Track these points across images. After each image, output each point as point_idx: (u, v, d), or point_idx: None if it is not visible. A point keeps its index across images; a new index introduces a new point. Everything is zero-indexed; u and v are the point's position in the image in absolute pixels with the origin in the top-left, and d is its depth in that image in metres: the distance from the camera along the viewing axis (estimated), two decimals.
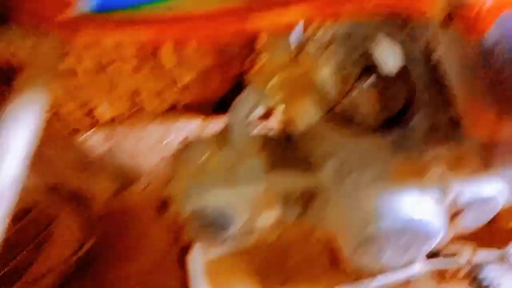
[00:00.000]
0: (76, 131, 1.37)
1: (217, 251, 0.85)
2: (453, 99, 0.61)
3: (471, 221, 0.77)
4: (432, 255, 0.84)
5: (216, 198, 0.72)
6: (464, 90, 0.57)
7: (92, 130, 1.42)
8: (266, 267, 1.19)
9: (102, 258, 1.28)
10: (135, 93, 1.35)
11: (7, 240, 0.99)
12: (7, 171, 0.45)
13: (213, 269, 0.88)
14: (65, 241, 1.08)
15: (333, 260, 0.81)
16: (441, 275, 0.89)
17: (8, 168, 0.45)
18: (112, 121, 1.45)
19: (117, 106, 1.37)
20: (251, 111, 0.70)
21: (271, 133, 0.79)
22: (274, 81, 0.63)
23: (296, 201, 0.77)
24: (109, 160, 1.12)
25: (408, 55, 0.61)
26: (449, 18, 0.47)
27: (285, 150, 0.77)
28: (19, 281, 1.09)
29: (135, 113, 1.44)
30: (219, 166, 0.74)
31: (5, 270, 1.06)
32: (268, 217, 0.77)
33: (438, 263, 0.84)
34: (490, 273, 0.84)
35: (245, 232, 0.78)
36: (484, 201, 0.73)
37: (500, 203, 0.75)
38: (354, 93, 0.65)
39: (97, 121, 1.40)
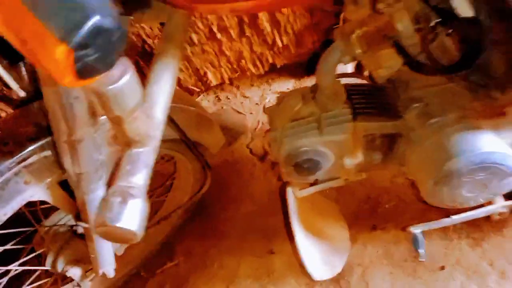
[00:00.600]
0: (191, 93, 1.59)
1: (308, 190, 0.97)
2: None
3: None
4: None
5: (306, 144, 0.84)
6: None
7: (204, 92, 1.63)
8: (357, 212, 1.30)
9: (214, 202, 1.50)
10: (239, 57, 1.51)
11: None
12: (156, 117, 0.62)
13: (304, 208, 1.02)
14: (185, 185, 1.29)
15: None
16: None
17: (157, 114, 0.62)
18: (221, 84, 1.64)
19: (224, 71, 1.55)
20: (336, 63, 0.79)
21: (356, 83, 0.88)
22: (356, 34, 0.71)
23: (380, 145, 0.86)
24: (219, 118, 1.30)
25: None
26: None
27: (370, 98, 0.85)
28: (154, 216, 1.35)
29: (239, 76, 1.61)
30: (310, 116, 0.86)
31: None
32: (354, 161, 0.87)
33: None
34: None
35: (333, 172, 0.89)
36: None
37: None
38: (434, 40, 0.70)
39: (209, 84, 1.59)
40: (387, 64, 0.72)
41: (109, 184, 0.65)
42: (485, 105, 0.76)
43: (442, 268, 1.18)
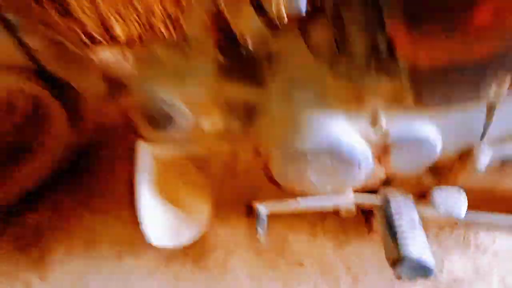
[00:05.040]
0: (94, 40, 1.48)
1: (165, 149, 0.91)
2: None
3: (404, 162, 0.78)
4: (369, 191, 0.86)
5: (161, 93, 0.78)
6: (388, 9, 0.58)
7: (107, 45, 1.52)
8: (237, 197, 1.27)
9: (98, 161, 1.41)
10: (150, 14, 1.42)
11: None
12: None
13: (164, 171, 0.95)
14: (57, 130, 1.19)
15: (268, 175, 0.84)
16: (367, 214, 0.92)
17: None
18: (131, 41, 1.54)
19: (133, 26, 1.45)
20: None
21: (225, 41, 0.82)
22: None
23: (240, 113, 0.82)
24: (107, 66, 1.20)
25: None
26: None
27: (238, 61, 0.80)
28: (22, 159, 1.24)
29: (150, 36, 1.52)
30: (174, 63, 0.80)
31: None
32: (212, 121, 0.82)
33: (363, 199, 0.85)
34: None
35: (189, 133, 0.83)
36: (415, 140, 0.74)
37: (436, 149, 0.76)
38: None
39: (116, 39, 1.49)
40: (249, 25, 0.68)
41: None
42: (345, 88, 0.73)
43: (301, 265, 1.16)
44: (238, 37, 0.74)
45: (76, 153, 1.29)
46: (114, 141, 1.41)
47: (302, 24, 0.71)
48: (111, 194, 1.35)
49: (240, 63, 0.79)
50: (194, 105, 0.79)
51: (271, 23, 0.68)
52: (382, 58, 0.68)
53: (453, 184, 0.86)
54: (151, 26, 1.45)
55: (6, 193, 1.28)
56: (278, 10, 0.63)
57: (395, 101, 0.72)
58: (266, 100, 0.79)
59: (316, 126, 0.73)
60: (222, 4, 0.69)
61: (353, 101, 0.74)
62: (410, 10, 0.55)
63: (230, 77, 0.78)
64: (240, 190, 1.29)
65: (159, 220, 0.91)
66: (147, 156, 0.90)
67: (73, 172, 1.34)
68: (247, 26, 0.71)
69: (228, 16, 0.70)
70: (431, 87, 0.65)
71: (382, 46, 0.67)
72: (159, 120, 0.80)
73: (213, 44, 0.79)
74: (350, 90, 0.74)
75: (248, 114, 0.81)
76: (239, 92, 0.79)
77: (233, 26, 0.71)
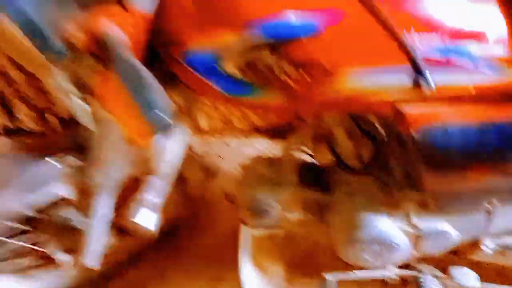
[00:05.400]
0: None
1: (259, 232, 1.28)
2: None
3: (431, 247, 1.12)
4: (404, 266, 1.20)
5: (261, 195, 1.15)
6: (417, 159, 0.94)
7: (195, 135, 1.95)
8: (297, 260, 1.61)
9: (185, 228, 1.78)
10: (230, 114, 1.85)
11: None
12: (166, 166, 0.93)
13: (256, 246, 1.32)
14: (168, 207, 1.58)
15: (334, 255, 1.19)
16: (405, 281, 1.24)
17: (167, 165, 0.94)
18: (210, 131, 1.97)
19: (215, 121, 1.88)
20: (294, 148, 1.13)
21: (306, 162, 1.21)
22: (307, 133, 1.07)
23: (314, 209, 1.18)
24: (203, 158, 1.61)
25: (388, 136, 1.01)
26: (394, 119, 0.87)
27: (313, 174, 1.18)
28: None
29: (226, 127, 1.94)
30: (270, 176, 1.18)
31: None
32: (294, 215, 1.18)
33: (402, 272, 1.18)
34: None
35: (278, 221, 1.20)
36: (438, 233, 1.08)
37: (453, 238, 1.09)
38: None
39: (200, 129, 1.92)
40: (323, 158, 1.06)
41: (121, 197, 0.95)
42: (387, 197, 1.09)
43: None
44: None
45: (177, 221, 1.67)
46: (207, 215, 1.79)
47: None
48: (199, 255, 1.71)
49: (316, 179, 1.16)
50: (282, 203, 1.16)
51: (340, 160, 1.06)
52: (413, 181, 1.04)
53: (469, 261, 1.19)
54: (229, 121, 1.87)
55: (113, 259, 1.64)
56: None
57: (423, 208, 1.07)
58: (333, 202, 1.15)
59: (369, 223, 1.08)
60: (308, 147, 1.07)
61: (394, 206, 1.09)
62: (430, 163, 0.91)
63: (308, 186, 1.16)
64: (299, 256, 1.63)
65: (253, 282, 1.26)
66: (247, 235, 1.27)
67: (171, 235, 1.72)
68: (323, 158, 1.09)
69: (312, 152, 1.09)
70: (447, 201, 1.00)
71: (413, 174, 1.02)
72: (258, 213, 1.17)
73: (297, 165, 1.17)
74: (392, 199, 1.09)
75: (320, 210, 1.18)
76: (314, 196, 1.16)
77: (316, 159, 1.09)
